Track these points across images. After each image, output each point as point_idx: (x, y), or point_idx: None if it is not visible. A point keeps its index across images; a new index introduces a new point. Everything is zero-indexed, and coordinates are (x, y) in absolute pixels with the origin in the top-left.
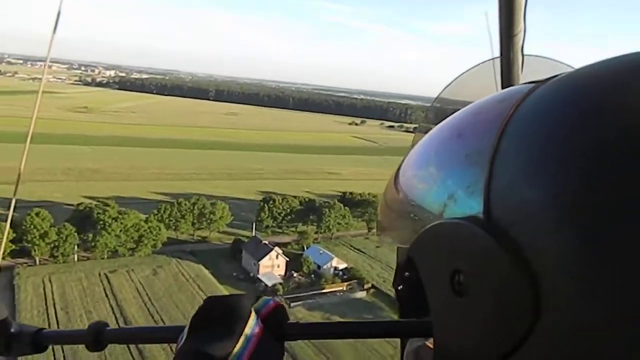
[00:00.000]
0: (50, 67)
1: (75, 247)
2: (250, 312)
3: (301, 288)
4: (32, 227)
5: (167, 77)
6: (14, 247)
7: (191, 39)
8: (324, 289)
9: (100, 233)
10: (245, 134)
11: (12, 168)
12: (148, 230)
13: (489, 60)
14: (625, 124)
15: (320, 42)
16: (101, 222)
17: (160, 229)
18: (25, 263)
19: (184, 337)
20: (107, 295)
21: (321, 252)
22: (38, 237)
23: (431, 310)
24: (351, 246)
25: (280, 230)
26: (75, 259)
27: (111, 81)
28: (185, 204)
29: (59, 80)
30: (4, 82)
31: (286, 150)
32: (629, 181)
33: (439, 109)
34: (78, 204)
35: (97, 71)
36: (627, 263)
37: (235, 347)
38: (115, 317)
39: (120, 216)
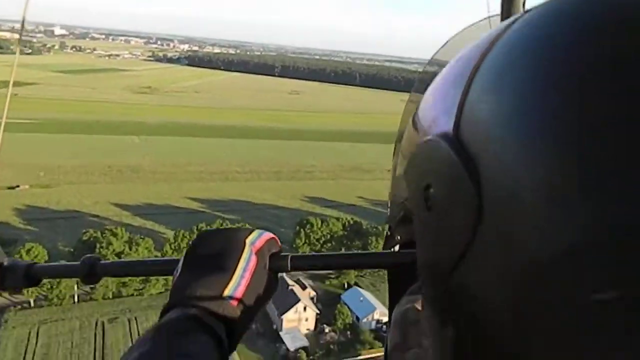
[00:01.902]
0: (128, 41)
1: (76, 287)
2: (245, 244)
3: (332, 355)
4: None
5: (237, 51)
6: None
7: (265, 9)
8: (359, 355)
9: None
10: (303, 117)
11: (54, 165)
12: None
13: (485, 18)
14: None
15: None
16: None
17: None
18: (21, 304)
19: (179, 270)
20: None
21: (362, 299)
22: None
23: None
24: None
25: None
26: (76, 299)
27: (183, 56)
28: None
29: (134, 56)
30: (81, 59)
31: (344, 138)
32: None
33: (433, 73)
34: (84, 233)
35: (171, 45)
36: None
37: (231, 279)
38: None
39: (127, 250)
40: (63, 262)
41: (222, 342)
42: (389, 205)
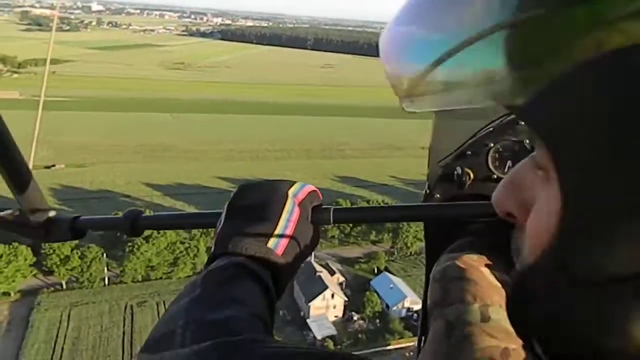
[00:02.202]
0: (163, 16)
1: (105, 269)
2: (287, 196)
3: (360, 344)
4: (51, 251)
5: (270, 24)
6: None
7: None
8: (388, 345)
9: (127, 257)
10: (335, 92)
11: (89, 144)
12: (184, 252)
13: None
14: None
15: None
16: (129, 245)
17: (198, 250)
18: (54, 286)
19: (222, 221)
20: (123, 344)
21: (391, 286)
22: (59, 263)
23: None
24: None
25: (349, 241)
26: (106, 281)
27: (216, 30)
28: None
29: (167, 31)
30: (117, 35)
31: (378, 114)
32: None
33: None
34: (114, 213)
35: (204, 19)
36: None
37: (275, 229)
38: None
39: (154, 234)
40: (107, 216)
41: (269, 289)
42: (429, 164)
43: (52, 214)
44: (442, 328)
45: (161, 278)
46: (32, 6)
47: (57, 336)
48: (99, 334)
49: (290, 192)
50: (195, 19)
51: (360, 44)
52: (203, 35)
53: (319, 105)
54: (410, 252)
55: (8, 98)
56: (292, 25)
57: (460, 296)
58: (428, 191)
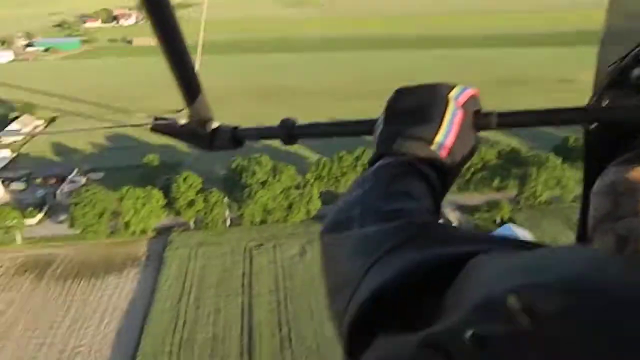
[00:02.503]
0: None
1: (227, 211)
2: (448, 99)
3: None
4: (179, 193)
5: None
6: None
7: None
8: None
9: (245, 202)
10: (482, 19)
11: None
12: (298, 198)
13: None
14: None
15: None
16: (247, 189)
17: (311, 197)
18: (183, 225)
19: (381, 125)
20: (243, 286)
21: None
22: (185, 206)
23: None
24: (568, 220)
25: (469, 187)
26: (228, 224)
27: None
28: (347, 160)
29: None
30: None
31: (513, 42)
32: None
33: None
34: (232, 161)
35: None
36: None
37: (439, 130)
38: (242, 326)
39: (270, 179)
40: (263, 126)
41: (435, 187)
42: (595, 71)
43: (215, 124)
44: (613, 242)
45: (277, 221)
46: None
47: (186, 273)
48: (222, 274)
49: (451, 95)
50: None
51: None
52: None
53: (459, 37)
54: (539, 202)
55: (143, 45)
56: None
57: (634, 209)
58: (595, 99)
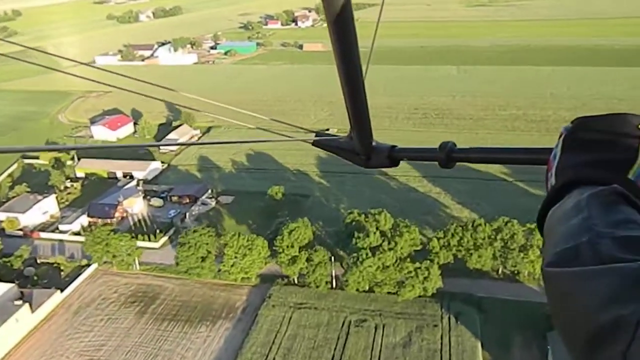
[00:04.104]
0: None
1: (333, 272)
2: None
3: None
4: (281, 248)
5: None
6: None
7: None
8: None
9: (351, 269)
10: None
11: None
12: (414, 273)
13: None
14: None
15: None
16: (355, 254)
17: (430, 272)
18: (287, 277)
19: (558, 154)
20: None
21: None
22: (287, 262)
23: None
24: None
25: None
26: (333, 284)
27: None
28: (485, 230)
29: None
30: None
31: None
32: None
33: None
34: (348, 214)
35: None
36: None
37: (635, 161)
38: None
39: (384, 245)
40: (421, 146)
41: None
42: None
43: (374, 143)
44: None
45: (388, 293)
46: None
47: (273, 341)
48: (310, 351)
49: None
50: None
51: None
52: None
53: None
54: None
55: (312, 50)
56: None
57: None
58: None
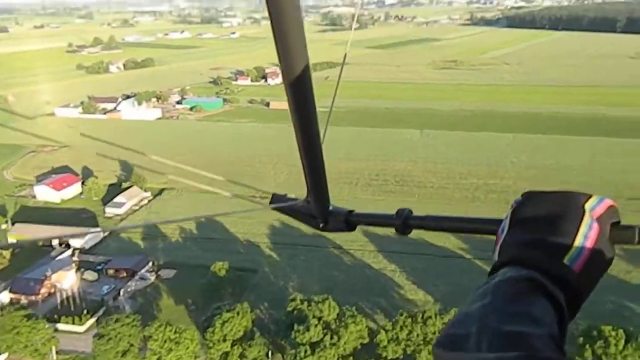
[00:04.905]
0: (450, 3)
1: None
2: (584, 210)
3: None
4: (212, 342)
5: (571, 2)
6: None
7: None
8: None
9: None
10: None
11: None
12: None
13: None
14: None
15: None
16: (293, 350)
17: None
18: None
19: (506, 228)
20: None
21: None
22: (218, 358)
23: None
24: None
25: None
26: None
27: (503, 16)
28: (434, 325)
29: (451, 20)
30: (398, 30)
31: None
32: None
33: None
34: (290, 301)
35: (495, 2)
36: None
37: (572, 245)
38: None
39: (326, 340)
40: (379, 212)
41: (563, 309)
42: None
43: (331, 207)
44: None
45: None
46: (336, 6)
47: None
48: None
49: (588, 205)
50: (485, 3)
51: None
52: (488, 23)
53: (614, 119)
54: None
55: (279, 108)
56: (599, 2)
57: None
58: None
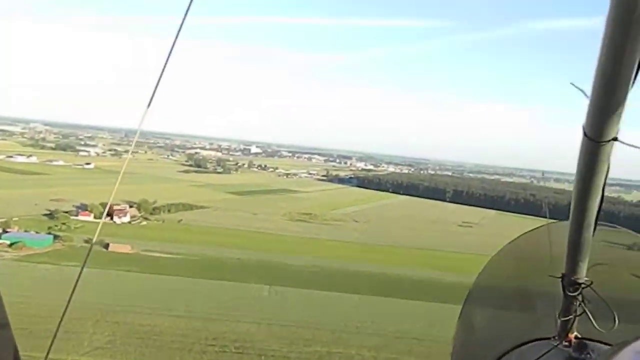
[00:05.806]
0: (310, 159)
1: None
2: None
3: None
4: None
5: (412, 170)
6: None
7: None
8: None
9: None
10: (474, 262)
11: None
12: None
13: (544, 225)
14: None
15: None
16: None
17: None
18: None
19: None
20: None
21: None
22: None
23: None
24: None
25: None
26: None
27: (354, 176)
28: None
29: (310, 175)
30: (260, 178)
31: None
32: None
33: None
34: None
35: (349, 163)
36: None
37: None
38: None
39: None
40: None
41: None
42: None
43: None
44: None
45: None
46: (202, 148)
47: None
48: None
49: None
50: (340, 162)
51: (506, 199)
52: (341, 181)
53: (449, 284)
54: None
55: (119, 252)
56: (433, 172)
57: None
58: None
